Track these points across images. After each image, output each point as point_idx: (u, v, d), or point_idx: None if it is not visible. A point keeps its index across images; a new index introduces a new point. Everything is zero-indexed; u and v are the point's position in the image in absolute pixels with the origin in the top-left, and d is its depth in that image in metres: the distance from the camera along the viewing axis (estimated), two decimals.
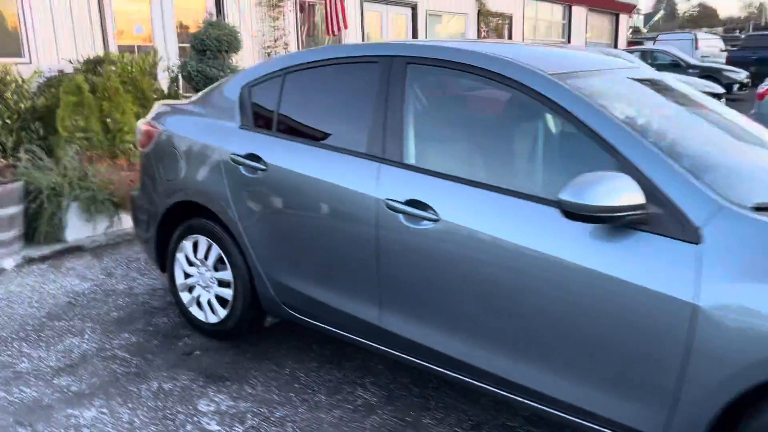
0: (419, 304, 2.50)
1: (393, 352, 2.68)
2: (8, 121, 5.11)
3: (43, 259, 4.58)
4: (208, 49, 6.50)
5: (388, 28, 14.08)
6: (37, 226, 4.65)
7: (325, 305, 2.85)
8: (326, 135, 2.88)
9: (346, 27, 11.88)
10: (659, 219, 1.97)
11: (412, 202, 2.46)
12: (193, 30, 9.23)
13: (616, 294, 2.00)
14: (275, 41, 10.87)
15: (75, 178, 4.75)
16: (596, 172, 1.99)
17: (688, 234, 1.92)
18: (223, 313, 3.30)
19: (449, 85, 2.68)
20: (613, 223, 1.97)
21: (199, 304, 3.42)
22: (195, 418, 2.71)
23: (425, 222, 2.42)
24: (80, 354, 3.26)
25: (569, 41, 22.68)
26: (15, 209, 4.43)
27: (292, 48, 11.25)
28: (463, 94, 2.67)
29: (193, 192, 3.28)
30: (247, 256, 3.09)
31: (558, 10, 22.43)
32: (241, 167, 3.04)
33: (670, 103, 2.81)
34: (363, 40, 13.13)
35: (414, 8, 14.61)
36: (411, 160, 2.56)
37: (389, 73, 2.69)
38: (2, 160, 4.70)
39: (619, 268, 2.00)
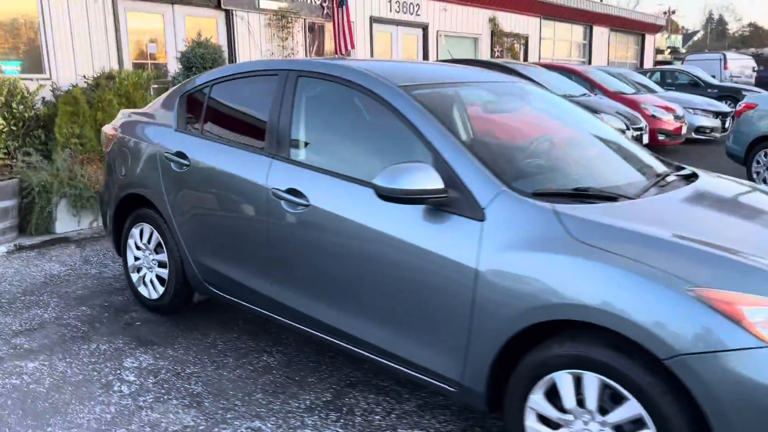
0: (297, 277, 2.99)
1: (283, 320, 3.16)
2: (14, 128, 5.80)
3: (32, 247, 5.21)
4: (194, 65, 7.16)
5: (398, 48, 14.64)
6: (30, 219, 5.29)
7: (236, 282, 3.35)
8: (238, 135, 3.41)
9: (353, 47, 12.48)
10: (458, 201, 2.42)
11: (291, 191, 2.96)
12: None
13: (426, 261, 2.45)
14: (283, 57, 11.53)
15: (65, 177, 5.38)
16: (405, 163, 2.46)
17: (476, 213, 2.36)
18: (161, 290, 3.84)
19: (325, 94, 3.17)
20: (418, 203, 2.43)
21: (144, 283, 3.97)
22: (118, 372, 3.23)
23: (300, 207, 2.91)
24: (40, 321, 3.83)
25: (590, 62, 22.91)
26: (9, 203, 5.08)
27: None
28: (333, 101, 3.16)
29: (138, 186, 3.84)
30: (177, 240, 3.62)
31: (578, 30, 22.71)
32: (172, 164, 3.59)
33: (506, 108, 3.25)
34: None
35: (425, 29, 15.16)
36: (293, 155, 3.06)
37: (284, 84, 3.20)
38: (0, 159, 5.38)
39: (428, 240, 2.45)
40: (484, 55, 17.17)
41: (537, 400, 2.23)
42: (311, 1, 12.00)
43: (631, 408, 2.00)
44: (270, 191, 3.03)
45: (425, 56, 15.18)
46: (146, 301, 3.97)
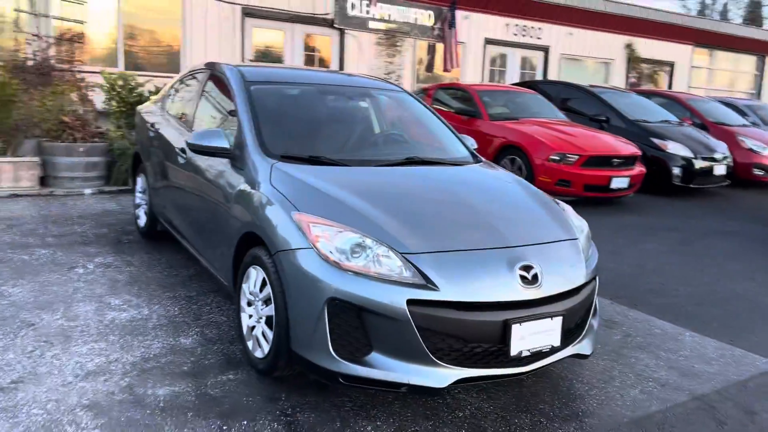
0: (178, 206, 4.42)
1: (184, 245, 4.58)
2: (123, 109, 7.95)
3: (108, 193, 7.24)
4: None
5: (514, 70, 15.38)
6: (112, 173, 7.33)
7: (167, 216, 4.86)
8: (180, 113, 4.92)
9: (458, 65, 13.62)
10: (239, 157, 3.65)
11: (181, 149, 4.38)
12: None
13: (217, 193, 3.73)
14: (388, 74, 13.02)
15: None
16: (208, 129, 3.76)
17: (243, 165, 3.58)
18: (143, 221, 5.49)
19: (214, 85, 4.52)
20: (211, 155, 3.72)
21: (137, 217, 5.66)
22: (84, 262, 4.89)
23: (181, 158, 4.33)
24: (71, 231, 5.68)
25: (759, 95, 21.32)
26: (99, 159, 7.16)
27: (405, 81, 13.29)
28: (217, 90, 4.49)
29: (137, 145, 5.54)
30: (149, 184, 5.24)
31: (749, 60, 21.29)
32: (149, 130, 5.21)
33: (329, 103, 4.35)
34: (482, 79, 14.67)
35: (546, 51, 15.71)
36: (192, 125, 4.48)
37: (205, 80, 4.64)
38: (98, 128, 7.48)
39: (223, 179, 3.71)
40: (618, 81, 17.12)
41: (245, 287, 3.40)
42: (422, 22, 13.34)
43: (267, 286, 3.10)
44: (177, 149, 4.49)
45: (544, 77, 15.70)
46: (137, 228, 5.67)
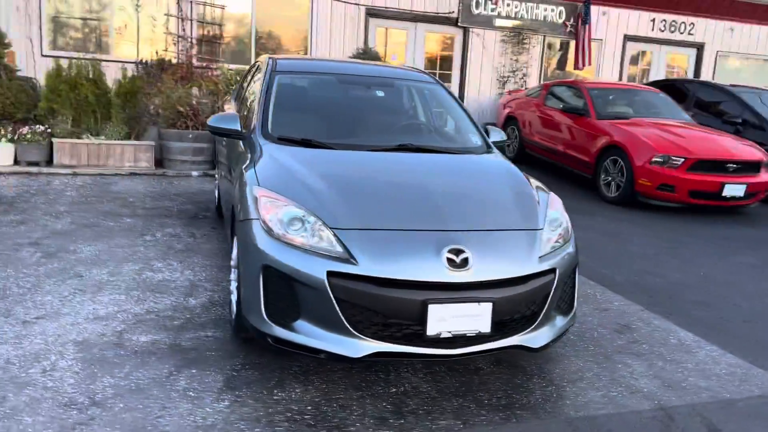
0: (224, 189, 4.89)
1: None
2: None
3: (211, 176, 8.03)
4: None
5: (659, 68, 14.31)
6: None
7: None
8: (239, 101, 5.40)
9: (590, 63, 13.01)
10: (248, 139, 4.01)
11: None
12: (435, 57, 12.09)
13: (236, 174, 4.13)
14: (513, 72, 12.82)
15: None
16: (225, 113, 4.16)
17: (250, 142, 3.94)
18: (216, 200, 6.08)
19: (258, 77, 4.91)
20: (226, 136, 4.12)
21: (217, 196, 6.28)
22: (155, 231, 5.57)
23: (225, 142, 4.80)
24: (162, 206, 6.46)
25: None
26: (205, 145, 7.98)
27: (532, 80, 12.99)
28: (255, 78, 4.87)
29: None
30: (218, 165, 5.80)
31: None
32: None
33: (343, 92, 4.54)
34: (620, 78, 13.87)
35: (700, 48, 14.43)
36: (239, 110, 4.92)
37: (254, 71, 5.08)
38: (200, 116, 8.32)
39: (242, 148, 4.11)
40: None
41: (232, 255, 3.75)
42: (552, 19, 12.94)
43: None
44: None
45: (696, 76, 14.44)
46: None
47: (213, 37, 11.05)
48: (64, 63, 8.17)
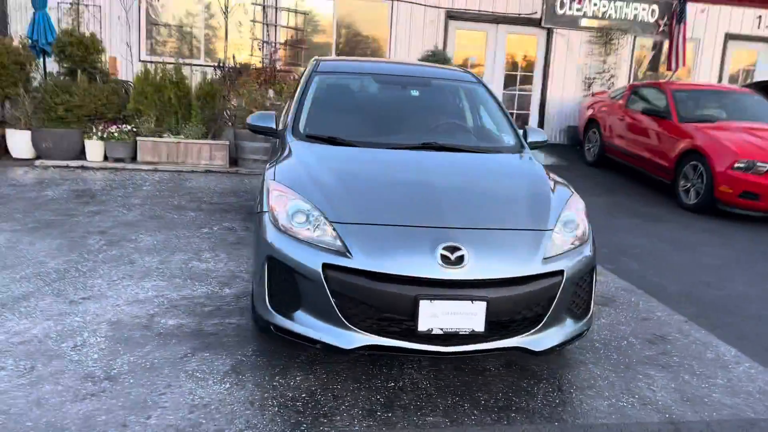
0: None
1: None
2: None
3: None
4: None
5: (761, 68, 13.29)
6: None
7: None
8: None
9: (684, 65, 12.31)
10: (281, 134, 4.18)
11: None
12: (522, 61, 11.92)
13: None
14: (600, 74, 12.35)
15: None
16: (263, 111, 4.33)
17: (283, 139, 4.11)
18: None
19: (303, 75, 5.06)
20: (263, 134, 4.29)
21: None
22: (213, 224, 5.87)
23: None
24: (225, 201, 6.79)
25: None
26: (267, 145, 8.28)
27: (621, 82, 12.45)
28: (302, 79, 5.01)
29: None
30: None
31: None
32: None
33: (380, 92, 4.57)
34: (720, 80, 13.01)
35: None
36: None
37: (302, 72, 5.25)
38: None
39: (287, 145, 4.29)
40: None
41: None
42: (643, 18, 12.36)
43: None
44: None
45: None
46: None
47: (296, 41, 11.46)
48: (158, 67, 8.77)
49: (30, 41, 8.94)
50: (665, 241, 6.29)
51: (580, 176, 9.66)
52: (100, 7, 10.79)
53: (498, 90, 12.34)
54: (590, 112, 10.89)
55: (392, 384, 3.14)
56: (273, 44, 11.17)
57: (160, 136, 8.22)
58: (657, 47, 12.92)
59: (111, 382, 3.00)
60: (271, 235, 3.13)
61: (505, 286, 2.93)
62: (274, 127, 4.20)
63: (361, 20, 11.83)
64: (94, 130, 8.01)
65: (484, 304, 2.86)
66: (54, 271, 4.40)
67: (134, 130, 8.19)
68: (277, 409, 2.85)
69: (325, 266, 2.91)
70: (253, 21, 11.18)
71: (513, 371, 3.33)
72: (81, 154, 8.14)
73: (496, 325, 2.93)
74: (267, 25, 11.20)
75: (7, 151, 8.17)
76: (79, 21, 10.62)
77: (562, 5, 12.00)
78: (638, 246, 6.04)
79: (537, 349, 3.02)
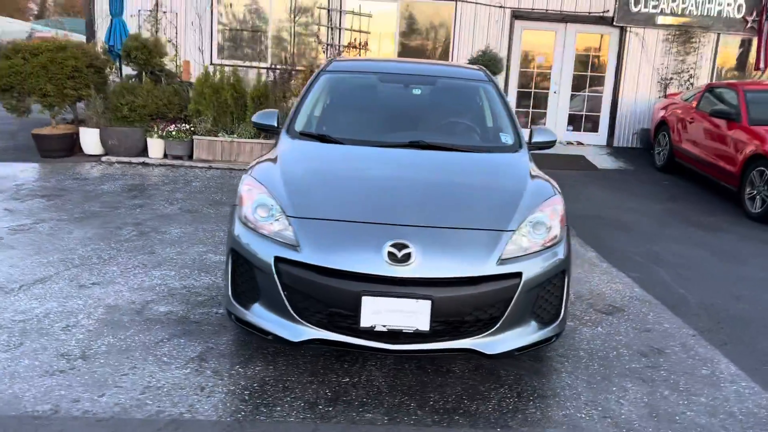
0: None
1: None
2: None
3: None
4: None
5: None
6: None
7: None
8: None
9: None
10: (279, 131, 4.30)
11: None
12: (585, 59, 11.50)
13: None
14: (678, 74, 11.66)
15: None
16: (266, 110, 4.45)
17: (276, 140, 4.22)
18: None
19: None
20: (266, 131, 4.41)
21: None
22: None
23: None
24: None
25: None
26: None
27: (702, 82, 11.69)
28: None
29: None
30: None
31: None
32: None
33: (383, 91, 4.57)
34: None
35: None
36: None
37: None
38: None
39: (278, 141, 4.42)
40: None
41: None
42: (728, 14, 11.56)
43: None
44: None
45: None
46: None
47: (359, 44, 11.62)
48: (218, 69, 9.18)
49: (107, 46, 9.61)
50: (714, 252, 5.87)
51: (645, 182, 9.20)
52: (176, 13, 11.42)
53: (566, 91, 11.96)
54: (662, 114, 10.32)
55: (347, 379, 3.14)
56: (337, 47, 11.39)
57: (216, 136, 8.59)
58: (744, 45, 12.05)
59: (84, 360, 3.20)
60: (236, 229, 3.22)
61: (452, 285, 2.87)
62: (275, 124, 4.31)
63: (424, 21, 11.82)
64: (155, 129, 8.50)
65: (428, 303, 2.81)
66: (78, 258, 4.72)
67: (192, 129, 8.60)
68: (223, 396, 2.94)
69: (277, 260, 2.97)
70: (318, 24, 11.45)
71: (478, 374, 3.25)
72: (143, 152, 8.66)
73: (445, 325, 2.87)
74: (331, 28, 11.43)
75: (80, 148, 8.81)
76: (157, 27, 11.29)
77: (636, 2, 11.44)
78: (680, 255, 5.68)
79: (489, 353, 2.94)
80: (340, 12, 11.48)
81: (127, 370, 3.13)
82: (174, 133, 8.43)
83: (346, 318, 2.88)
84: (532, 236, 3.10)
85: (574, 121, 12.20)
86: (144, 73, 8.89)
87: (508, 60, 11.63)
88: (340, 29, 11.48)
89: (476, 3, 11.45)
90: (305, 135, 4.04)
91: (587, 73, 12.03)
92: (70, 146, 8.76)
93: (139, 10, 11.27)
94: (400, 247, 2.87)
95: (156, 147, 8.53)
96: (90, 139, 8.67)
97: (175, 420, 2.73)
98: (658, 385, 3.25)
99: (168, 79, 9.16)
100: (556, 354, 3.51)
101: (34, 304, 3.85)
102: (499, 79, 10.40)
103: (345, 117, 4.38)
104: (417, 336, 2.87)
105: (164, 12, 11.33)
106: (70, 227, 5.51)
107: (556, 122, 12.00)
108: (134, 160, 8.48)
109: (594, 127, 12.14)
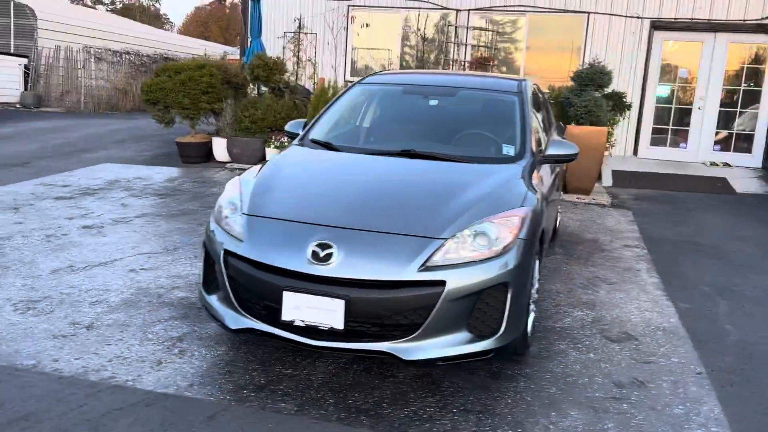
0: None
1: None
2: None
3: None
4: (583, 83, 8.34)
5: None
6: None
7: None
8: None
9: None
10: (301, 137, 4.60)
11: None
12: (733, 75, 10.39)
13: None
14: None
15: None
16: (298, 119, 4.76)
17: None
18: None
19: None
20: (294, 139, 4.73)
21: None
22: None
23: None
24: None
25: None
26: None
27: None
28: None
29: None
30: None
31: None
32: None
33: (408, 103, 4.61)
34: None
35: None
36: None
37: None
38: None
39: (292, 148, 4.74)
40: None
41: None
42: None
43: None
44: None
45: None
46: None
47: (485, 59, 11.61)
48: (331, 85, 9.78)
49: (246, 65, 10.69)
50: None
51: None
52: (316, 34, 12.32)
53: (712, 107, 10.85)
54: None
55: (288, 371, 3.31)
56: (462, 62, 11.49)
57: None
58: None
59: (87, 330, 3.72)
60: (210, 223, 3.55)
61: (369, 288, 2.92)
62: (299, 133, 4.61)
63: (553, 34, 11.46)
64: (273, 140, 9.27)
65: (342, 303, 2.90)
66: (149, 247, 5.40)
67: None
68: (170, 372, 3.26)
69: (226, 252, 3.24)
70: (445, 41, 11.65)
71: (417, 382, 3.24)
72: (262, 159, 9.48)
73: (363, 326, 2.93)
74: (457, 44, 11.57)
75: (212, 156, 9.89)
76: (299, 47, 12.28)
77: None
78: (764, 290, 5.01)
79: (407, 358, 2.93)
80: (467, 28, 11.57)
81: (114, 341, 3.59)
82: (286, 144, 9.13)
83: (274, 311, 3.06)
84: (472, 246, 3.04)
85: (723, 141, 11.04)
86: (273, 89, 9.75)
87: (645, 74, 10.87)
88: (466, 45, 11.57)
89: (611, 14, 10.89)
90: (315, 143, 4.28)
91: (740, 87, 10.83)
92: (206, 154, 9.87)
93: (284, 32, 12.34)
94: (324, 246, 2.99)
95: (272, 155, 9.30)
96: (220, 148, 9.69)
97: (117, 386, 3.10)
98: (609, 417, 2.98)
99: (292, 95, 9.93)
100: (519, 373, 3.36)
101: (85, 282, 4.51)
102: (622, 92, 9.76)
103: (359, 126, 4.55)
104: (334, 334, 2.96)
105: (305, 33, 12.28)
106: (160, 221, 6.28)
107: (700, 141, 10.96)
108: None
109: (747, 148, 10.88)
